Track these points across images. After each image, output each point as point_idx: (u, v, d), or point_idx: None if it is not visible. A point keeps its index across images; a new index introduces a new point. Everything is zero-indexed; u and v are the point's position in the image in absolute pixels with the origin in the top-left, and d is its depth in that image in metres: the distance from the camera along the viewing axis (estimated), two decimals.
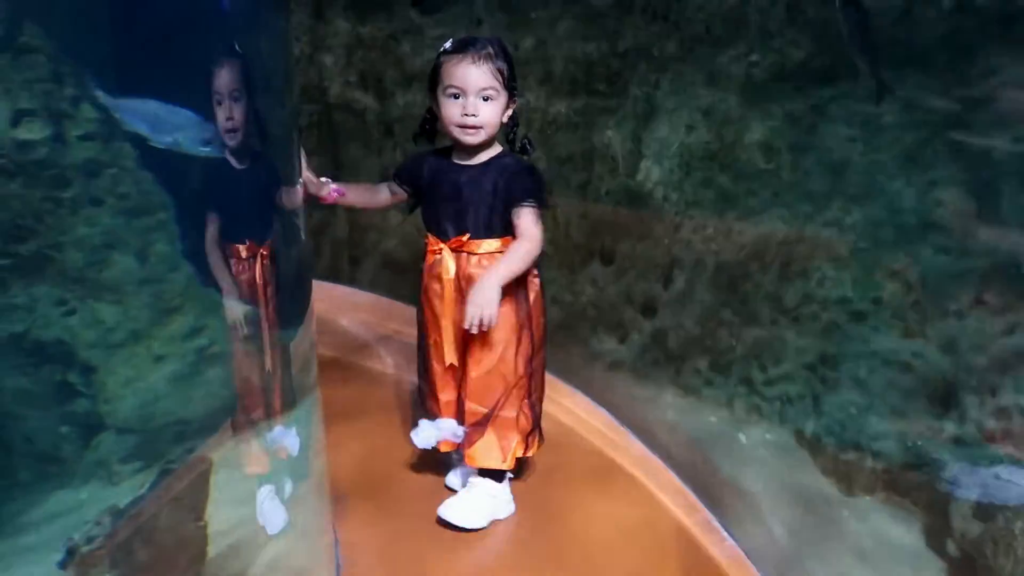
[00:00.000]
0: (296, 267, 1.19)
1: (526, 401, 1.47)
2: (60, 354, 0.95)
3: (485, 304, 1.33)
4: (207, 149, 0.96)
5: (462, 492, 1.48)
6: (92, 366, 0.99)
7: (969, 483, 0.96)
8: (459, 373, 1.47)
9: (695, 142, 1.54)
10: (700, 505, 1.52)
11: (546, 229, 1.45)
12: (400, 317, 2.38)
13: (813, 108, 1.24)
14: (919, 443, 1.05)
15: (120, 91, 0.91)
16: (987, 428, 0.95)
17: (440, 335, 1.45)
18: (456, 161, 1.44)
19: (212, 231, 1.00)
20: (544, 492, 1.56)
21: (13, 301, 0.91)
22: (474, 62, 1.35)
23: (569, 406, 1.88)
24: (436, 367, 1.49)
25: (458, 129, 1.39)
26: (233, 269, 1.04)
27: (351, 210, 2.66)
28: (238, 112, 0.97)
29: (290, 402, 1.16)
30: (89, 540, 0.88)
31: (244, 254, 1.05)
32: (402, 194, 1.51)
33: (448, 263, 1.42)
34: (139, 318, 1.00)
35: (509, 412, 1.45)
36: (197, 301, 1.04)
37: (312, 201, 1.47)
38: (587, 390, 1.93)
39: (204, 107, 0.96)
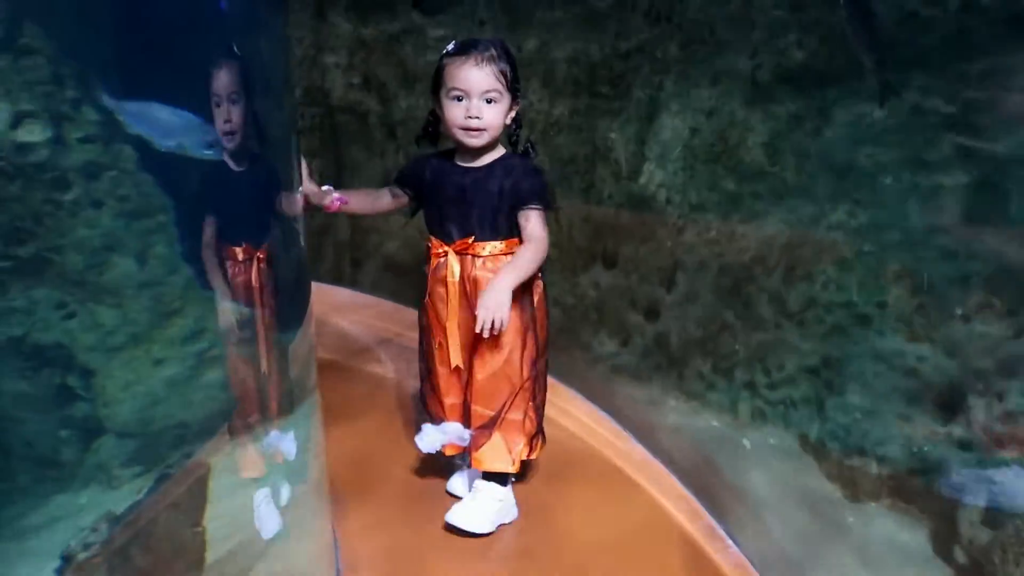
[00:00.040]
0: (294, 270, 1.18)
1: (531, 404, 1.47)
2: (59, 357, 0.95)
3: (497, 308, 1.33)
4: (210, 152, 0.96)
5: (469, 497, 1.47)
6: (91, 369, 0.98)
7: (977, 489, 0.94)
8: (464, 376, 1.47)
9: (698, 144, 1.53)
10: (703, 511, 1.51)
11: (549, 232, 1.44)
12: (402, 320, 2.38)
13: (818, 110, 1.23)
14: (925, 448, 1.04)
15: (119, 93, 0.91)
16: (995, 433, 0.94)
17: (445, 338, 1.45)
18: (459, 163, 1.44)
19: (208, 233, 1.00)
20: (545, 496, 1.56)
21: (12, 304, 0.90)
22: (477, 64, 1.35)
23: (570, 410, 1.87)
24: (440, 370, 1.48)
25: (461, 131, 1.38)
26: (229, 271, 1.03)
27: (353, 214, 2.66)
28: (236, 114, 0.97)
29: (288, 405, 1.15)
30: (86, 547, 0.88)
31: (240, 256, 1.05)
32: (404, 198, 1.51)
33: (453, 266, 1.42)
34: (139, 321, 1.00)
35: (515, 415, 1.45)
36: (197, 304, 1.04)
37: (316, 210, 1.47)
38: (589, 394, 1.93)
39: (203, 109, 0.96)
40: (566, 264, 1.91)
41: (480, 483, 1.47)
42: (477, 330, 1.35)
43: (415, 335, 1.58)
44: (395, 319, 2.44)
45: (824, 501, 1.19)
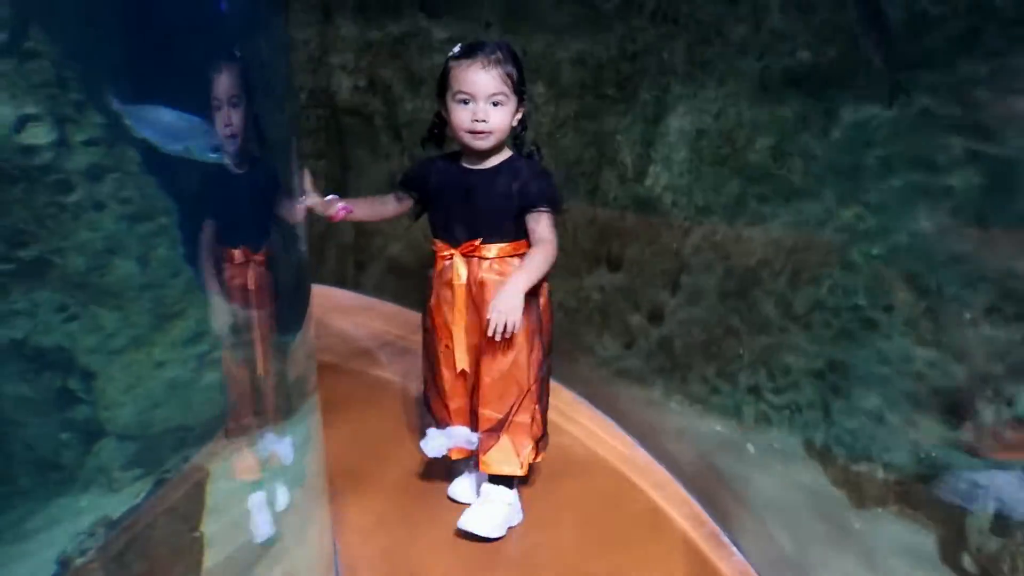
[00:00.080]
0: (293, 273, 1.18)
1: (537, 406, 1.47)
2: (61, 360, 0.95)
3: (510, 311, 1.34)
4: (216, 156, 0.96)
5: (478, 502, 1.46)
6: (92, 372, 0.98)
7: (985, 495, 0.93)
8: (471, 379, 1.46)
9: (705, 146, 1.52)
10: (707, 517, 1.49)
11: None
12: (405, 323, 2.38)
13: (825, 112, 1.22)
14: (933, 454, 1.02)
15: (123, 96, 0.91)
16: (1004, 439, 0.93)
17: (452, 341, 1.44)
18: (466, 165, 1.44)
19: (205, 236, 1.00)
20: (547, 501, 1.55)
21: (14, 306, 0.90)
22: (484, 67, 1.35)
23: (573, 414, 1.86)
24: (446, 374, 1.48)
25: (468, 135, 1.38)
26: (226, 274, 1.03)
27: (358, 222, 2.66)
28: (235, 117, 0.97)
29: (286, 408, 1.15)
30: (83, 552, 0.87)
31: (237, 259, 1.05)
32: (408, 202, 1.51)
33: (459, 268, 1.41)
34: (140, 324, 1.00)
35: (523, 417, 1.45)
36: (198, 307, 1.04)
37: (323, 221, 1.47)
38: (592, 397, 1.92)
39: (206, 112, 0.96)
40: (570, 266, 1.90)
41: (489, 487, 1.47)
42: (489, 333, 1.35)
43: (418, 338, 1.58)
44: (398, 322, 2.44)
45: (830, 507, 1.18)
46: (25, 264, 0.89)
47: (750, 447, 1.40)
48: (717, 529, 1.46)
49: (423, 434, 1.50)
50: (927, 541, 1.01)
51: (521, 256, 1.43)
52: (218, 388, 1.06)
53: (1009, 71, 0.95)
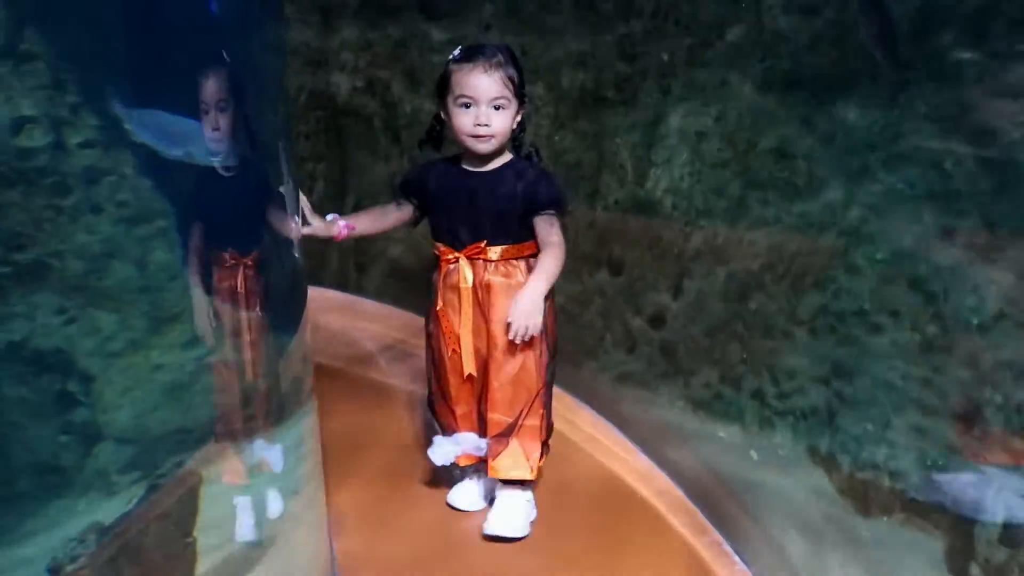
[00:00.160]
0: (286, 277, 1.18)
1: (544, 410, 1.47)
2: (59, 363, 0.96)
3: (530, 315, 1.35)
4: (217, 159, 0.97)
5: (499, 506, 1.46)
6: (91, 375, 0.98)
7: (994, 504, 0.92)
8: (478, 384, 1.45)
9: (706, 149, 1.51)
10: (709, 526, 1.48)
11: None
12: (406, 326, 2.37)
13: (828, 114, 1.21)
14: (940, 461, 1.01)
15: (119, 98, 0.91)
16: (1012, 447, 0.91)
17: (458, 346, 1.43)
18: (468, 168, 1.43)
19: (194, 238, 1.00)
20: (546, 508, 1.53)
21: (12, 309, 0.91)
22: (485, 71, 1.34)
23: (574, 419, 1.85)
24: (452, 379, 1.47)
25: (470, 138, 1.38)
26: (215, 277, 1.03)
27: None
28: (224, 121, 0.97)
29: (278, 413, 1.14)
30: (73, 558, 0.86)
31: (227, 262, 1.05)
32: (409, 208, 1.51)
33: (465, 272, 1.41)
34: (138, 327, 1.00)
35: (532, 421, 1.45)
36: None
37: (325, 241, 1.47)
38: (593, 403, 1.91)
39: (200, 115, 0.96)
40: (571, 270, 1.89)
41: (505, 492, 1.47)
42: (510, 337, 1.35)
43: (420, 342, 1.57)
44: (399, 325, 2.43)
45: (835, 515, 1.17)
46: (23, 267, 0.89)
47: (753, 453, 1.39)
48: (720, 538, 1.45)
49: (427, 441, 1.50)
50: (934, 550, 1.00)
51: (526, 257, 1.43)
52: (213, 391, 1.06)
53: (1014, 72, 0.94)
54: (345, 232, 1.47)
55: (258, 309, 1.09)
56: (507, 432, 1.44)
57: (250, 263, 1.06)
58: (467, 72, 1.35)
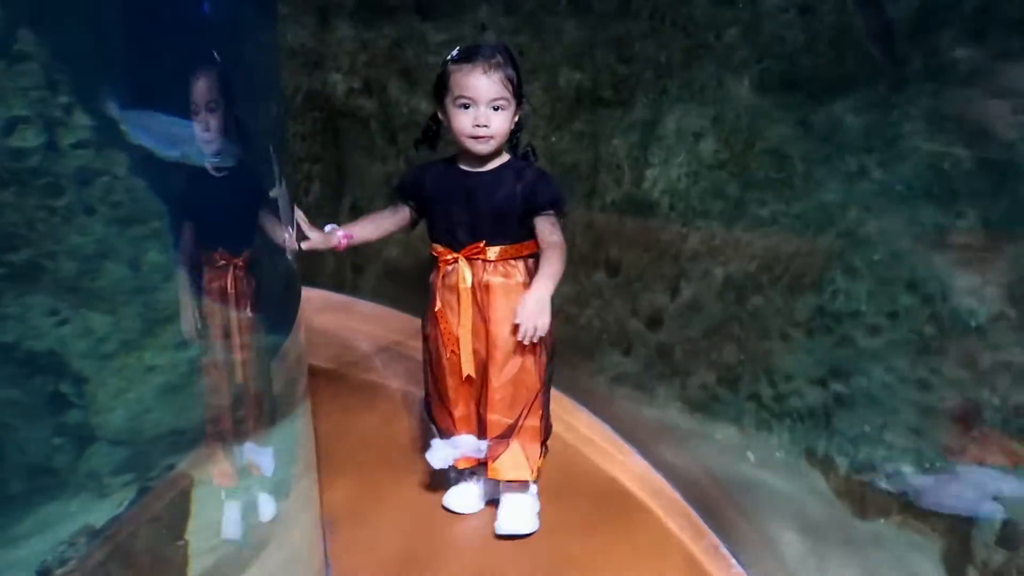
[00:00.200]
0: (278, 278, 1.17)
1: (542, 411, 1.47)
2: (52, 364, 0.96)
3: (538, 316, 1.34)
4: (216, 160, 0.96)
5: (506, 505, 1.46)
6: (84, 376, 0.98)
7: (992, 507, 0.91)
8: (477, 385, 1.45)
9: (703, 150, 1.51)
10: (706, 529, 1.47)
11: None
12: (402, 327, 2.36)
13: (826, 116, 1.20)
14: (937, 464, 1.01)
15: (110, 98, 0.91)
16: (1011, 450, 0.91)
17: (457, 347, 1.43)
18: (465, 168, 1.43)
19: (184, 238, 1.00)
20: (542, 510, 1.52)
21: (5, 311, 0.90)
22: (485, 72, 1.34)
23: (571, 421, 1.84)
24: (450, 381, 1.46)
25: (470, 139, 1.37)
26: (204, 277, 1.03)
27: (355, 215, 2.64)
28: (214, 122, 0.97)
29: (270, 416, 1.14)
30: (62, 562, 0.86)
31: (217, 262, 1.04)
32: (406, 211, 1.50)
33: (464, 272, 1.41)
34: (131, 328, 1.00)
35: (533, 421, 1.44)
36: None
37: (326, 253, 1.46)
38: (590, 404, 1.90)
39: (196, 115, 0.95)
40: (568, 271, 1.88)
41: (510, 494, 1.47)
42: (519, 338, 1.35)
43: (416, 343, 1.56)
44: (396, 326, 2.42)
45: (832, 517, 1.17)
46: (16, 268, 0.89)
47: (750, 455, 1.39)
48: (716, 540, 1.44)
49: (423, 443, 1.49)
50: (931, 553, 0.99)
51: (524, 257, 1.43)
52: (206, 393, 1.05)
53: (1012, 73, 0.94)
54: (345, 242, 1.46)
55: (248, 310, 1.08)
56: (507, 433, 1.43)
57: (240, 263, 1.06)
58: (466, 73, 1.34)
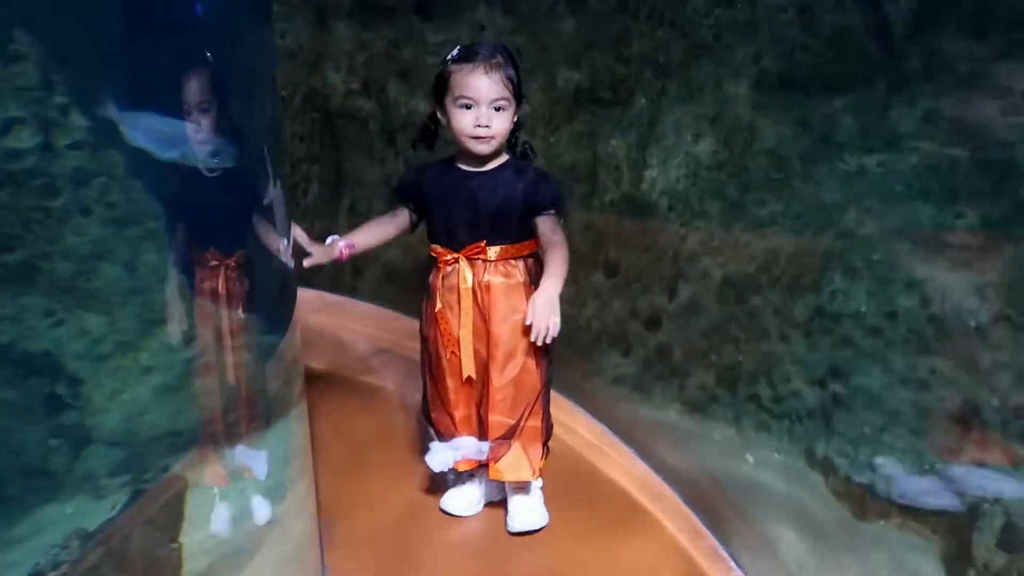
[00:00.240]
0: (272, 279, 1.17)
1: (543, 411, 1.47)
2: (48, 365, 0.95)
3: (548, 315, 1.34)
4: (216, 160, 0.96)
5: (515, 504, 1.47)
6: (80, 378, 0.98)
7: (993, 510, 0.91)
8: (477, 386, 1.45)
9: (702, 151, 1.50)
10: (705, 531, 1.47)
11: None
12: (401, 329, 2.36)
13: (826, 116, 1.20)
14: (937, 465, 1.00)
15: (107, 99, 0.91)
16: (1012, 451, 0.91)
17: (457, 348, 1.42)
18: (465, 168, 1.43)
19: (177, 239, 0.99)
20: None
21: (0, 312, 0.90)
22: (486, 72, 1.34)
23: (569, 423, 1.84)
24: (450, 383, 1.46)
25: (471, 139, 1.37)
26: (196, 278, 1.02)
27: (353, 217, 2.64)
28: (206, 122, 0.96)
29: (264, 418, 1.13)
30: (56, 565, 0.85)
31: (209, 263, 1.04)
32: (406, 215, 1.49)
33: (465, 272, 1.40)
34: (127, 329, 1.00)
35: (534, 421, 1.44)
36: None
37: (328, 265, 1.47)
38: (588, 405, 1.90)
39: (193, 116, 0.95)
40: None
41: (515, 493, 1.48)
42: (532, 338, 1.35)
43: (415, 345, 1.55)
44: (393, 327, 2.42)
45: (830, 520, 1.16)
46: (11, 269, 0.89)
47: (749, 457, 1.38)
48: (715, 542, 1.44)
49: (421, 444, 1.48)
50: (931, 555, 0.99)
51: (524, 257, 1.43)
52: (200, 394, 1.05)
53: (1011, 72, 0.94)
54: (346, 252, 1.46)
55: (241, 311, 1.08)
56: (509, 434, 1.43)
57: (233, 264, 1.05)
58: (467, 73, 1.34)
